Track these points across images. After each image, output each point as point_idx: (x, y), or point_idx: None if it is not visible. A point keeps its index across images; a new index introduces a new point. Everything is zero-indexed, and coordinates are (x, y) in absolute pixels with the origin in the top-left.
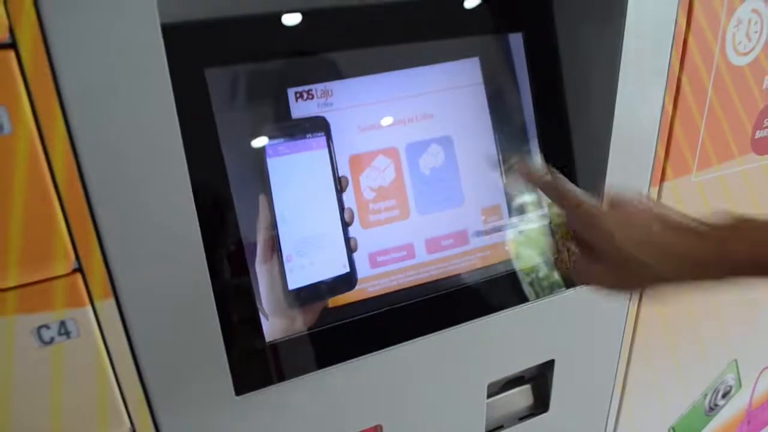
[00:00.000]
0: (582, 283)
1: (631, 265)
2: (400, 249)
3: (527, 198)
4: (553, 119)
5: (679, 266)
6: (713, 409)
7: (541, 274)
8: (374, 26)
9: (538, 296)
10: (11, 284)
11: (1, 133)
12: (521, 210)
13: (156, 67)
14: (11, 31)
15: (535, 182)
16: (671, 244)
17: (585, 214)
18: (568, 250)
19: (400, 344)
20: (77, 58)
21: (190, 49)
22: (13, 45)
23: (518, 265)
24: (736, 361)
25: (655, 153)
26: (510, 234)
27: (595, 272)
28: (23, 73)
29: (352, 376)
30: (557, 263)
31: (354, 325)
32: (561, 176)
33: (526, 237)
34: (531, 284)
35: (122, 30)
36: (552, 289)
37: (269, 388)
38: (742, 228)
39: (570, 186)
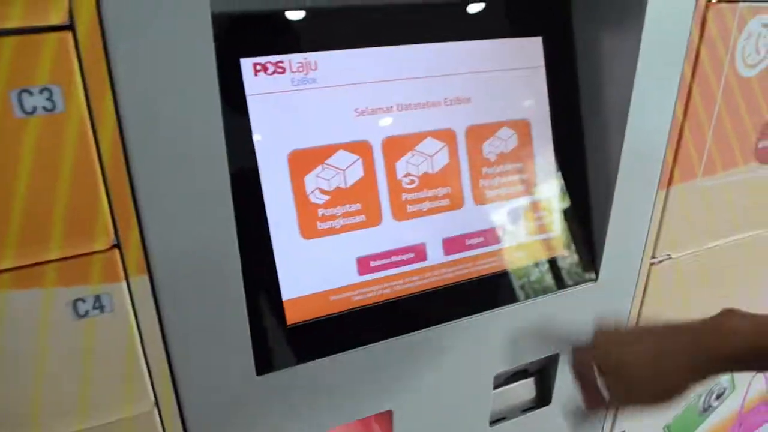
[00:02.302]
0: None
1: (642, 379)
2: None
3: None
4: (568, 121)
5: (679, 367)
6: (707, 410)
7: (546, 273)
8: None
9: (543, 293)
10: (52, 257)
11: (54, 111)
12: None
13: (203, 54)
14: (71, 13)
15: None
16: (666, 348)
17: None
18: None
19: (412, 333)
20: (130, 42)
21: (230, 38)
22: (71, 27)
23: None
24: None
25: (665, 157)
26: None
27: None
28: (79, 55)
29: (367, 362)
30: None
31: (369, 313)
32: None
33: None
34: (535, 281)
35: (175, 18)
36: (556, 287)
37: (288, 369)
38: (730, 317)
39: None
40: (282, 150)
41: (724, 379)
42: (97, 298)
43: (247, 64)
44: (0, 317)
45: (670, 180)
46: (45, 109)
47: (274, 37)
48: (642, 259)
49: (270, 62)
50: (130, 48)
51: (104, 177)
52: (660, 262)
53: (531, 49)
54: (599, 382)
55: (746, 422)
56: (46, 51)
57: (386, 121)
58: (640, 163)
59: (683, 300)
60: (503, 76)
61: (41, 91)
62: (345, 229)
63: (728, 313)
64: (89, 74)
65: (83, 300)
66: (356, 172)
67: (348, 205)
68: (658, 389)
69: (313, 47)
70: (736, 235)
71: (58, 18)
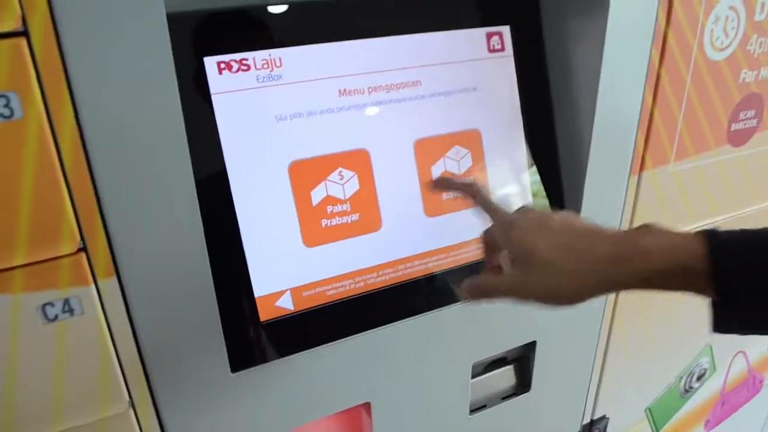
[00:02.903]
0: (477, 295)
1: (548, 269)
2: None
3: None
4: (539, 110)
5: (591, 267)
6: (688, 391)
7: None
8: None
9: None
10: (18, 263)
11: (12, 118)
12: None
13: (161, 54)
14: (24, 20)
15: (460, 189)
16: (581, 244)
17: (504, 216)
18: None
19: (388, 325)
20: (86, 46)
21: (191, 38)
22: (25, 33)
23: None
24: (710, 345)
25: (635, 143)
26: None
27: (506, 282)
28: (34, 61)
29: (343, 356)
30: None
31: (344, 306)
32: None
33: None
34: None
35: (130, 20)
36: None
37: (263, 366)
38: (650, 230)
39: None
40: (250, 148)
41: (704, 360)
42: (66, 301)
43: (211, 62)
44: None
45: (642, 165)
46: (3, 116)
47: (237, 35)
48: None
49: (234, 60)
50: (86, 52)
51: (67, 181)
52: None
53: (501, 38)
54: (503, 260)
55: (728, 402)
56: (1, 58)
57: (356, 114)
58: (611, 149)
59: None
60: (472, 66)
61: None
62: (333, 229)
63: (645, 229)
64: (46, 79)
65: (52, 304)
66: (331, 170)
67: (335, 206)
68: (562, 289)
69: (277, 44)
70: (711, 219)
71: (10, 25)
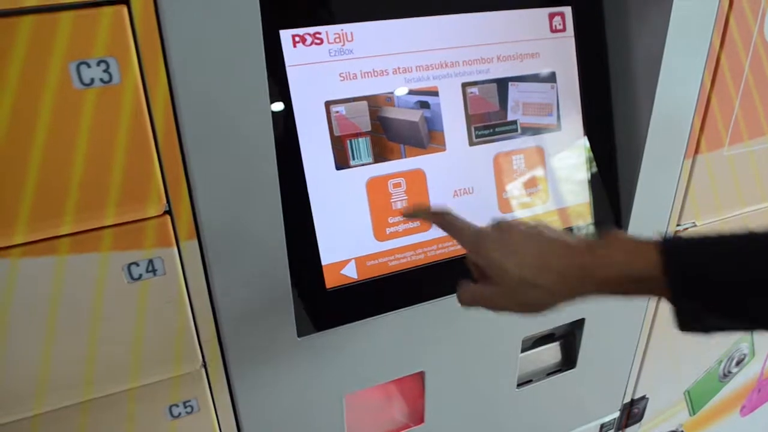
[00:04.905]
0: (468, 304)
1: (519, 285)
2: None
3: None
4: (598, 90)
5: (558, 281)
6: (727, 375)
7: None
8: None
9: None
10: (108, 223)
11: (110, 83)
12: None
13: (251, 26)
14: None
15: (427, 219)
16: (549, 260)
17: (472, 236)
18: None
19: (445, 297)
20: (182, 16)
21: (268, 11)
22: (126, 1)
23: None
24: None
25: (692, 126)
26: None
27: (485, 294)
28: (133, 28)
29: (401, 325)
30: None
31: (405, 277)
32: (448, 211)
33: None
34: None
35: None
36: None
37: (327, 332)
38: (612, 240)
39: (458, 217)
40: (320, 124)
41: (744, 345)
42: (150, 261)
43: (286, 35)
44: (59, 281)
45: (696, 149)
46: (102, 80)
47: (312, 9)
48: (667, 226)
49: (308, 33)
50: (182, 22)
51: (157, 146)
52: (685, 229)
53: (563, 19)
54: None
55: (765, 389)
56: (103, 24)
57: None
58: (668, 131)
59: None
60: (534, 45)
61: (98, 63)
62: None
63: (607, 239)
64: (143, 47)
65: (137, 264)
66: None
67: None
68: (533, 301)
69: (348, 19)
70: (760, 204)
71: None
